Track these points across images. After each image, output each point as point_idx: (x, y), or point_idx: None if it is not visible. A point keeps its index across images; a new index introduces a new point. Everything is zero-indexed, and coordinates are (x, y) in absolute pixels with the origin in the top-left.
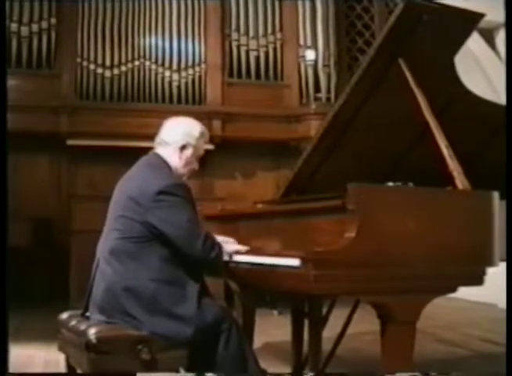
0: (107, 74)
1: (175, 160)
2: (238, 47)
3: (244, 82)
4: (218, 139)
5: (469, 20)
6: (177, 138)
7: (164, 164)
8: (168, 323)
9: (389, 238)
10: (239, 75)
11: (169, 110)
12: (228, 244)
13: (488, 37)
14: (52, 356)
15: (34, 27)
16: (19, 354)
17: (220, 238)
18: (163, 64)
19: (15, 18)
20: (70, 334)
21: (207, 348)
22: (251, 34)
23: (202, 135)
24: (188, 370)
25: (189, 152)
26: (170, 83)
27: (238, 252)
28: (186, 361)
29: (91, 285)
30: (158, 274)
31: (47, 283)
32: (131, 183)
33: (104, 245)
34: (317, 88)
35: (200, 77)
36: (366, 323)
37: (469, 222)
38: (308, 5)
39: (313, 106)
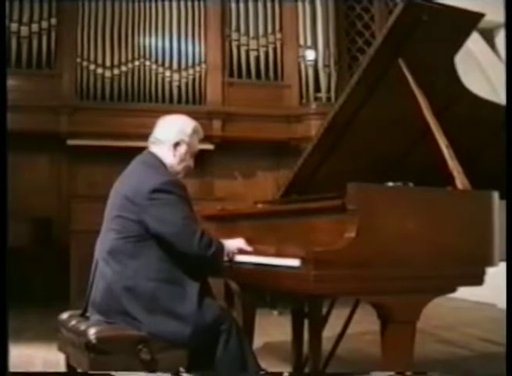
0: (107, 74)
1: (170, 157)
2: (238, 47)
3: (244, 82)
4: (218, 138)
5: (469, 20)
6: (170, 135)
7: (158, 162)
8: (167, 322)
9: (389, 238)
10: (240, 75)
11: (169, 110)
12: (233, 242)
13: (488, 37)
14: (52, 356)
15: (34, 27)
16: (20, 354)
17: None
18: (163, 64)
19: (15, 18)
20: (70, 334)
21: (207, 348)
22: (251, 34)
23: (195, 131)
24: (188, 370)
25: (182, 149)
26: (170, 83)
27: (242, 250)
28: (186, 361)
29: (91, 286)
30: (157, 273)
31: (47, 283)
32: (126, 183)
33: (102, 246)
34: (317, 88)
35: (200, 77)
36: (366, 323)
37: (469, 222)
38: (307, 5)
39: (313, 106)
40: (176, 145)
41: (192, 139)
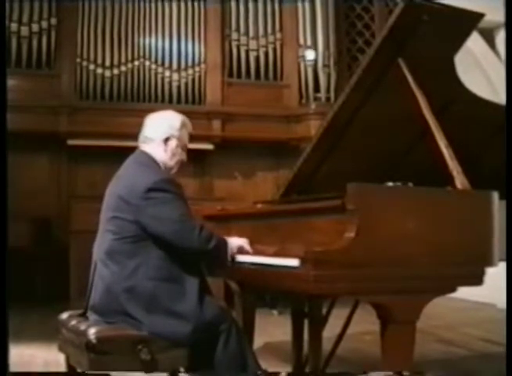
0: (107, 74)
1: (161, 153)
2: (238, 47)
3: (244, 82)
4: (217, 139)
5: (469, 20)
6: (159, 132)
7: (150, 160)
8: (167, 321)
9: (388, 238)
10: (239, 75)
11: (169, 109)
12: (236, 240)
13: (488, 37)
14: (52, 356)
15: (34, 27)
16: (20, 354)
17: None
18: (163, 64)
19: (15, 18)
20: (70, 334)
21: (207, 348)
22: (251, 34)
23: (183, 125)
24: (188, 370)
25: (173, 143)
26: (170, 83)
27: (242, 250)
28: (186, 361)
29: (90, 289)
30: (156, 272)
31: (47, 283)
32: (120, 183)
33: (100, 247)
34: (317, 88)
35: (199, 77)
36: (366, 323)
37: (468, 222)
38: (307, 5)
39: (313, 106)
40: (166, 140)
41: (181, 133)
